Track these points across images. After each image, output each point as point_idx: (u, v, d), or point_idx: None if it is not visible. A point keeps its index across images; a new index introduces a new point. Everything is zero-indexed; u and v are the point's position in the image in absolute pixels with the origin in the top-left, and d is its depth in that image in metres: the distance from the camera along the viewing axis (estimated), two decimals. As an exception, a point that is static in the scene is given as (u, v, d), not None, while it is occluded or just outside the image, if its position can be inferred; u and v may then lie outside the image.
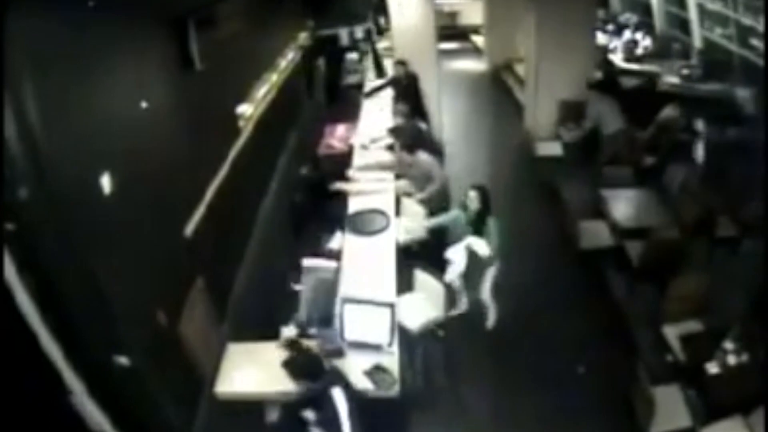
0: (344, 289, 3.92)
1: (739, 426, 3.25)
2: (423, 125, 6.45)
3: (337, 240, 4.64)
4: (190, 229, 3.88)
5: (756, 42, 7.25)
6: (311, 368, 3.05)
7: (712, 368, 3.50)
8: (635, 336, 4.33)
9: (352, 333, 3.54)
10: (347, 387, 3.05)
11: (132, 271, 2.94)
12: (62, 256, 2.41)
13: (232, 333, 4.14)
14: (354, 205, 5.12)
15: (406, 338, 3.95)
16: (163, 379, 3.15)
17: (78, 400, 2.56)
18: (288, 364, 3.10)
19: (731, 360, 3.48)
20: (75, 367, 2.51)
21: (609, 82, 7.69)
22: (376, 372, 3.36)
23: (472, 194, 4.43)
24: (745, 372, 3.42)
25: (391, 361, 3.46)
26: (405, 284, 4.36)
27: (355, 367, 3.41)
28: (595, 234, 5.33)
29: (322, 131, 7.13)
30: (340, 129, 7.05)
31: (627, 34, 10.01)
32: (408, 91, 7.20)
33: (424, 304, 4.28)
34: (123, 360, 2.72)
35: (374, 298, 3.64)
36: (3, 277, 2.18)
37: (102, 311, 2.63)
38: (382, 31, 10.42)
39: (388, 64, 8.45)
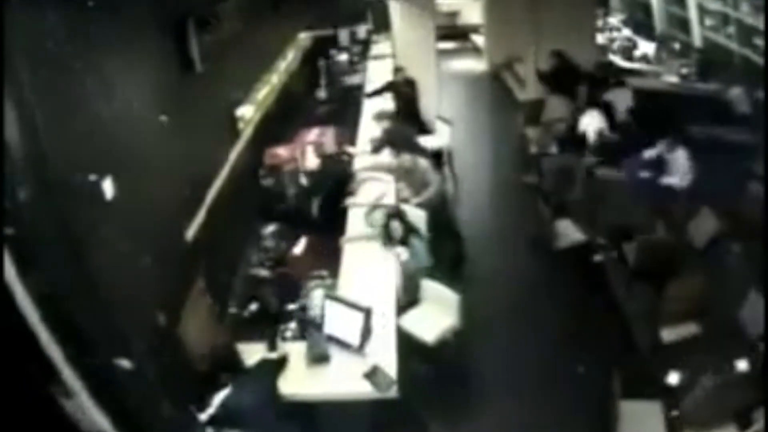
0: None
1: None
2: (409, 129, 6.41)
3: (301, 246, 4.61)
4: (190, 231, 3.89)
5: (758, 41, 7.27)
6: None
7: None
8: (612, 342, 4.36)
9: (330, 328, 3.67)
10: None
11: (132, 273, 2.95)
12: (63, 259, 2.41)
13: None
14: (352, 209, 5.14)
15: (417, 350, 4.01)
16: (164, 379, 3.16)
17: (78, 401, 2.56)
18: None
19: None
20: (75, 368, 2.51)
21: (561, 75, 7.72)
22: (374, 373, 3.38)
23: (395, 225, 4.48)
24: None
25: (390, 363, 3.48)
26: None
27: (354, 369, 3.44)
28: (565, 232, 5.39)
29: (295, 134, 6.71)
30: (311, 134, 6.60)
31: (623, 33, 10.04)
32: (405, 98, 7.21)
33: (435, 315, 4.28)
34: (124, 361, 2.73)
35: (355, 302, 3.70)
36: (3, 279, 2.19)
37: (102, 313, 2.63)
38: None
39: (385, 65, 8.46)
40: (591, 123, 6.53)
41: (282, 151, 6.08)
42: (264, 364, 3.38)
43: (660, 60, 9.03)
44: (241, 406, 3.09)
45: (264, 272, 4.59)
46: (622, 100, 7.08)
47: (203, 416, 3.11)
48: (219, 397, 3.13)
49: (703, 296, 4.02)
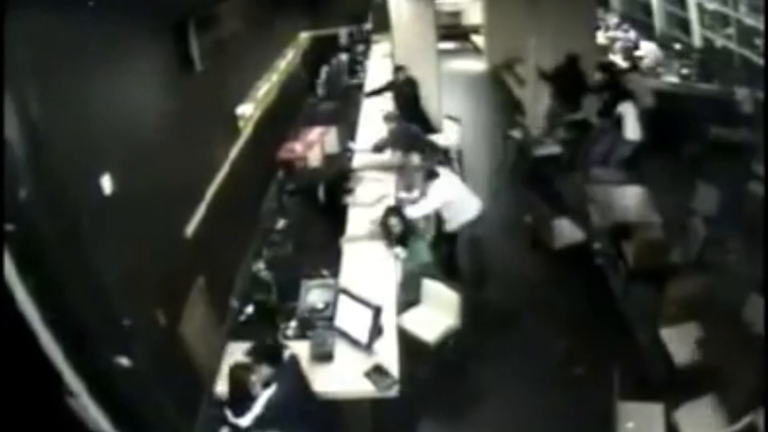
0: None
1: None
2: (416, 128, 6.43)
3: None
4: (190, 229, 3.89)
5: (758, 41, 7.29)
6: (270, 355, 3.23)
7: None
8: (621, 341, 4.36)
9: (341, 322, 3.68)
10: (291, 384, 3.18)
11: (132, 271, 2.95)
12: (62, 256, 2.41)
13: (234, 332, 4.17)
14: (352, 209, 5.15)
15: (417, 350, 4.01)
16: (164, 379, 3.16)
17: (78, 401, 2.56)
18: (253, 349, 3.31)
19: None
20: (75, 368, 2.51)
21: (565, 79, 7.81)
22: (375, 373, 3.38)
23: (393, 220, 4.47)
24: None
25: (392, 361, 3.49)
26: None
27: (355, 367, 3.44)
28: (564, 231, 5.41)
29: (297, 133, 6.88)
30: (315, 132, 6.74)
31: (626, 34, 10.02)
32: (407, 97, 7.20)
33: (437, 315, 4.27)
34: (123, 360, 2.73)
35: (366, 299, 3.69)
36: (3, 277, 2.19)
37: (102, 311, 2.63)
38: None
39: (386, 65, 8.45)
40: (628, 114, 6.62)
41: (298, 146, 6.39)
42: (294, 359, 3.32)
43: (666, 61, 9.03)
44: (287, 402, 3.09)
45: (264, 270, 4.60)
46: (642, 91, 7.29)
47: (245, 421, 3.06)
48: (263, 398, 3.08)
49: (704, 296, 4.02)
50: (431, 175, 4.89)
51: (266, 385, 3.12)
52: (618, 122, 6.67)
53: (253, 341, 3.40)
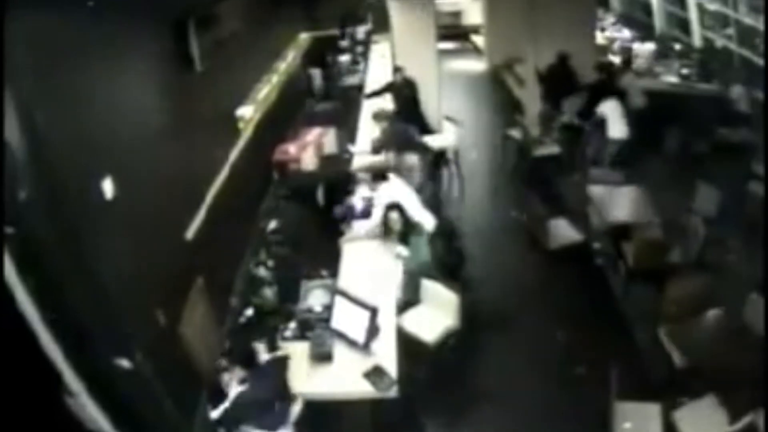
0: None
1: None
2: (411, 128, 6.41)
3: None
4: (190, 231, 3.88)
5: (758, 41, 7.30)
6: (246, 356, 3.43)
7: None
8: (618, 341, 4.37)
9: (338, 324, 3.72)
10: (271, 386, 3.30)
11: (132, 272, 2.95)
12: (62, 256, 2.41)
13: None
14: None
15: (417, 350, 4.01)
16: (164, 379, 3.16)
17: (78, 401, 2.56)
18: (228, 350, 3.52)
19: None
20: (75, 368, 2.51)
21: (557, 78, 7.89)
22: (374, 373, 3.38)
23: (394, 216, 4.44)
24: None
25: (391, 362, 3.48)
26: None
27: (355, 368, 3.44)
28: (560, 232, 5.43)
29: (296, 134, 6.82)
30: (312, 134, 6.67)
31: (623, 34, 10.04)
32: (406, 98, 7.21)
33: (436, 315, 4.27)
34: (123, 361, 2.73)
35: (363, 300, 3.72)
36: (3, 277, 2.19)
37: (102, 311, 2.63)
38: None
39: (386, 65, 8.45)
40: (611, 113, 6.61)
41: (292, 149, 6.28)
42: (276, 361, 3.43)
43: (661, 60, 9.04)
44: (257, 401, 3.20)
45: (264, 272, 4.59)
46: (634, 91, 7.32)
47: (216, 413, 3.21)
48: (233, 393, 3.23)
49: (704, 296, 4.02)
50: (383, 178, 4.93)
51: (243, 382, 3.30)
52: (600, 122, 6.68)
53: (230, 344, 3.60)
